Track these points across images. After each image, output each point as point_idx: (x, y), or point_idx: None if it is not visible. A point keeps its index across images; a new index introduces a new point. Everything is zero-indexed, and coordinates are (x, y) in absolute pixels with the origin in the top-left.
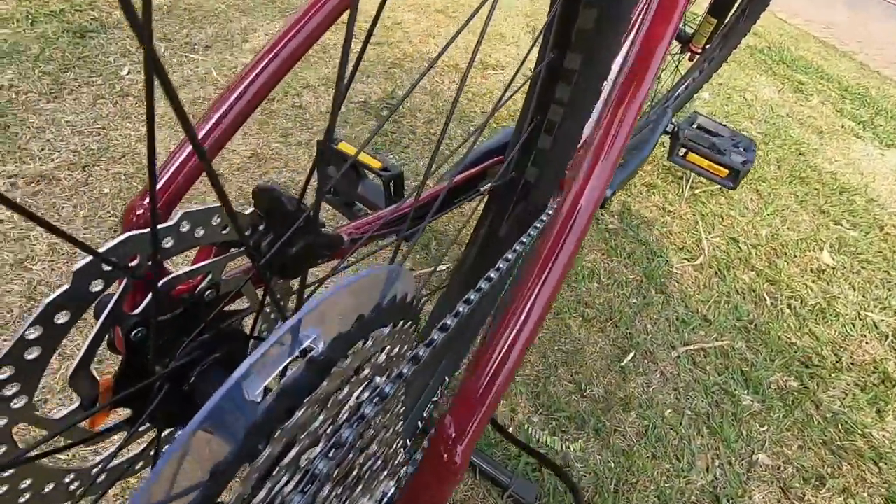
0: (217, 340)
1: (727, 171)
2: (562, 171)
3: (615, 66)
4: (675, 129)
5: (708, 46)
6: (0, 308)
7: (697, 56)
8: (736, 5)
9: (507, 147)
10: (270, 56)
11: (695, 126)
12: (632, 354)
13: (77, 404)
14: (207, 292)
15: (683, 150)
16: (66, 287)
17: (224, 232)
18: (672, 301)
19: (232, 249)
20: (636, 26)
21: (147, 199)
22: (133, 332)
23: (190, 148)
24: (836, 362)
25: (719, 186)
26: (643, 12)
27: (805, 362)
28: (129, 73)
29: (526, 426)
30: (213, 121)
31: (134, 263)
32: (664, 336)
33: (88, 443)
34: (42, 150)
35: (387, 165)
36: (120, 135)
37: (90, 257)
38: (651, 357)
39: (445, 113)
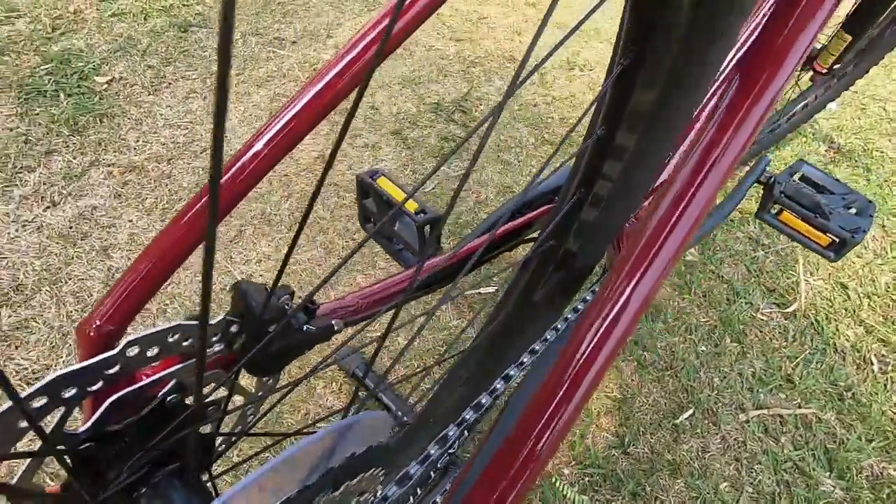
0: (171, 453)
1: (829, 239)
2: (610, 240)
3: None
4: (771, 180)
5: (836, 66)
6: (82, 292)
7: (822, 76)
8: (880, 20)
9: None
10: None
11: (797, 177)
12: (690, 412)
13: None
14: (170, 398)
15: (777, 207)
16: None
17: (185, 344)
18: (750, 354)
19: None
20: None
21: (99, 318)
22: (80, 447)
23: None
24: None
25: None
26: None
27: None
28: None
29: (554, 479)
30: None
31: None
32: (733, 394)
33: None
34: (137, 141)
35: (424, 208)
36: (204, 129)
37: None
38: (713, 417)
39: (521, 118)
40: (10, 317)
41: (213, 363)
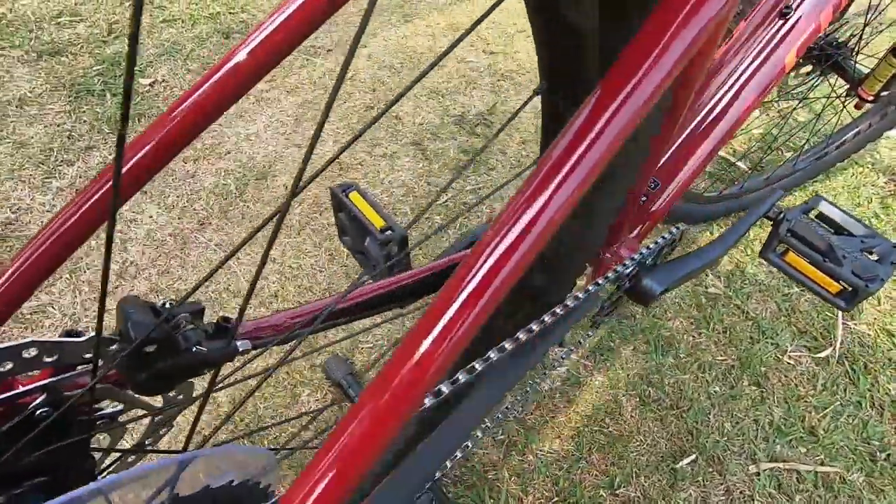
0: (45, 466)
1: (840, 286)
2: (574, 274)
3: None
4: (780, 216)
5: (884, 94)
6: (97, 281)
7: (868, 104)
8: None
9: None
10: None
11: (810, 215)
12: (692, 457)
13: None
14: (40, 411)
15: (783, 247)
16: None
17: (49, 360)
18: (769, 399)
19: (79, 368)
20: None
21: None
22: None
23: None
24: None
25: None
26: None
27: None
28: None
29: None
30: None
31: None
32: (744, 443)
33: None
34: None
35: (391, 225)
36: (231, 132)
37: None
38: (718, 465)
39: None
40: (30, 301)
41: (103, 379)
